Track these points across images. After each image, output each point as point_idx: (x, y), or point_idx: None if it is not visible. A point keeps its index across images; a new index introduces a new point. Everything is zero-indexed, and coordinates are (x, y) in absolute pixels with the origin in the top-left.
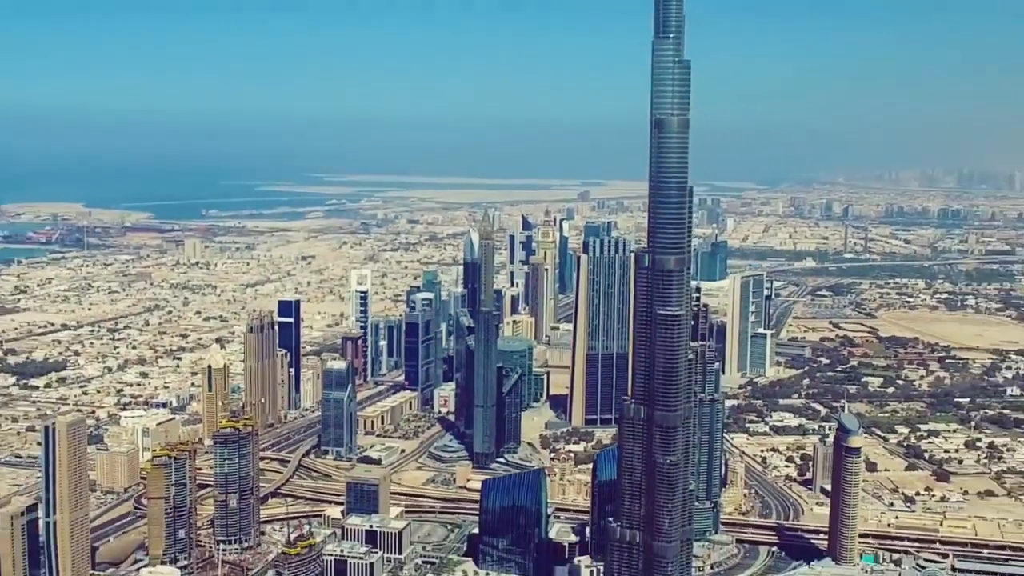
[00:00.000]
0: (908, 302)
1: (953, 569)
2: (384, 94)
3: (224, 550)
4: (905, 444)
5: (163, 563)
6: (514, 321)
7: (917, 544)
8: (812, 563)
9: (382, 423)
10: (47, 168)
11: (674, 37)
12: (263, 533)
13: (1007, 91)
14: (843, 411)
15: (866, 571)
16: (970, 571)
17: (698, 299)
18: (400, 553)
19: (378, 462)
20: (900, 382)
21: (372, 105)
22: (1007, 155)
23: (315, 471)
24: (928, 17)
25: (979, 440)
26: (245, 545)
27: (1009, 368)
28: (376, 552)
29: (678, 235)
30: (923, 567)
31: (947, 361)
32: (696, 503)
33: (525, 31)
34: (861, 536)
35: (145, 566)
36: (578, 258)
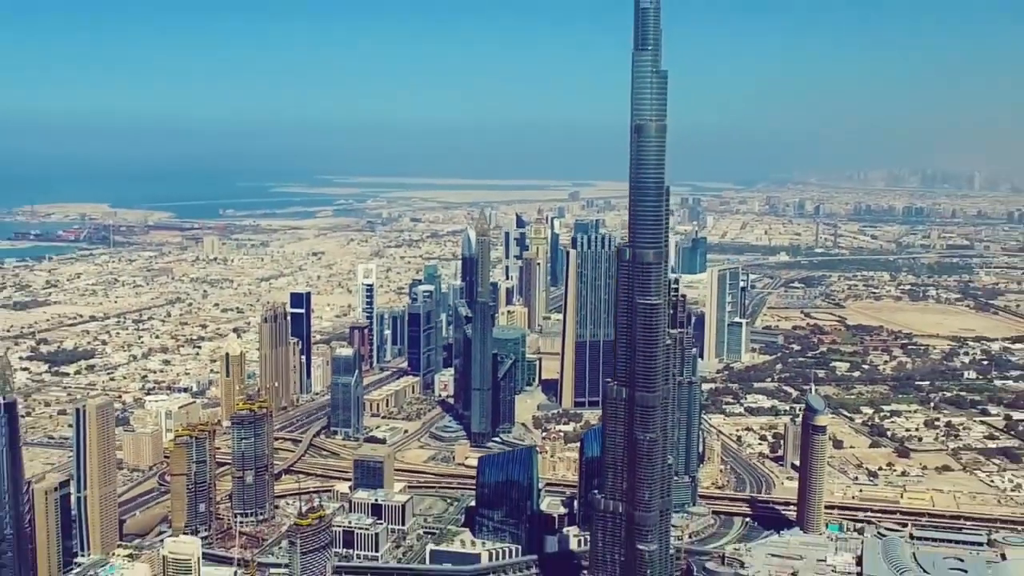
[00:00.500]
0: (874, 293)
1: (911, 537)
2: (389, 101)
3: (241, 522)
4: (869, 424)
5: (185, 534)
6: (508, 311)
7: (879, 515)
8: (782, 532)
9: (387, 406)
10: (75, 171)
11: (652, 49)
12: (277, 507)
13: (969, 95)
14: (811, 393)
15: (831, 539)
16: (927, 539)
17: (676, 290)
18: (403, 524)
19: (383, 441)
20: (865, 367)
21: (378, 111)
22: (968, 157)
23: (325, 450)
24: (892, 25)
25: (938, 420)
26: (261, 517)
27: (966, 354)
28: (381, 523)
29: (656, 231)
30: (884, 535)
31: (909, 347)
32: (675, 477)
33: (519, 43)
34: (827, 507)
35: (169, 536)
36: (567, 253)
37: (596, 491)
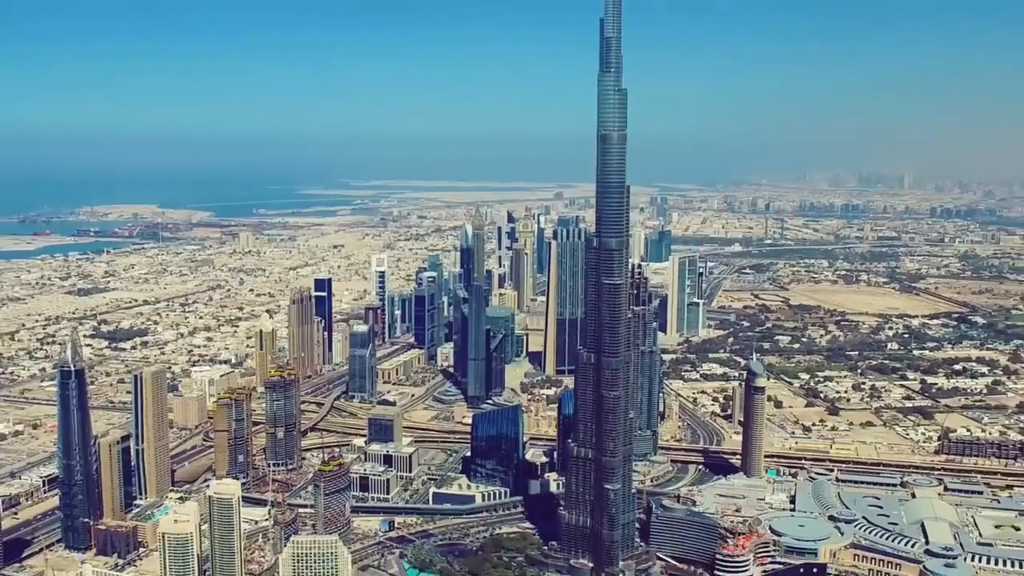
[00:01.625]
0: (814, 277)
1: (837, 480)
2: (400, 116)
3: (274, 470)
4: (806, 387)
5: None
6: (500, 294)
7: (811, 462)
8: (728, 477)
9: (396, 374)
10: (128, 177)
11: (614, 72)
12: (304, 458)
13: (901, 105)
14: (752, 360)
15: (769, 482)
16: (851, 481)
17: (639, 273)
18: (410, 472)
19: (393, 403)
20: (804, 340)
21: (390, 125)
22: (899, 160)
23: (344, 411)
24: (833, 44)
25: (864, 383)
26: (290, 467)
27: (890, 328)
28: (391, 471)
29: (618, 223)
30: (814, 479)
31: (842, 323)
32: (638, 431)
33: (512, 67)
34: (767, 456)
35: (213, 481)
36: (550, 245)
37: (570, 441)
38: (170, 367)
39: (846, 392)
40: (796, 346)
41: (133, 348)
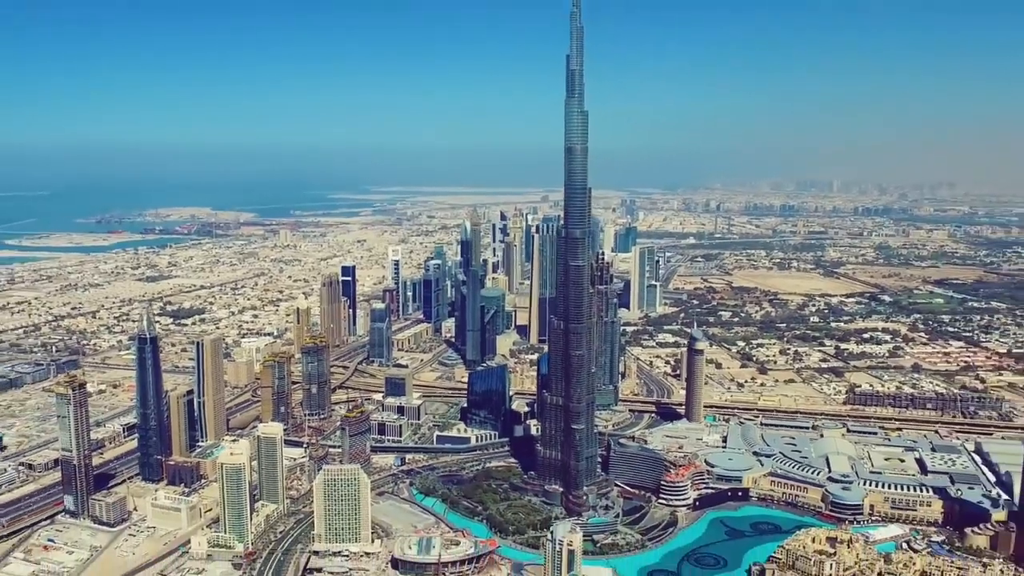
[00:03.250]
0: (754, 265)
1: (761, 424)
2: (413, 132)
3: (309, 419)
4: (741, 352)
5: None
6: (493, 278)
7: (742, 411)
8: (674, 422)
9: (408, 343)
10: (185, 184)
11: (578, 96)
12: (333, 409)
13: (831, 121)
14: (694, 328)
15: (707, 426)
16: (772, 425)
17: (602, 258)
18: (419, 419)
19: (405, 366)
20: (742, 315)
21: (404, 139)
22: (829, 168)
23: (366, 372)
24: (774, 66)
25: (789, 349)
26: (322, 416)
27: (813, 305)
28: (403, 418)
29: (582, 218)
30: (742, 423)
31: (774, 301)
32: (603, 386)
33: (506, 90)
34: (706, 406)
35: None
36: (534, 237)
37: (545, 391)
38: (224, 338)
39: (774, 356)
40: (735, 320)
41: (193, 324)
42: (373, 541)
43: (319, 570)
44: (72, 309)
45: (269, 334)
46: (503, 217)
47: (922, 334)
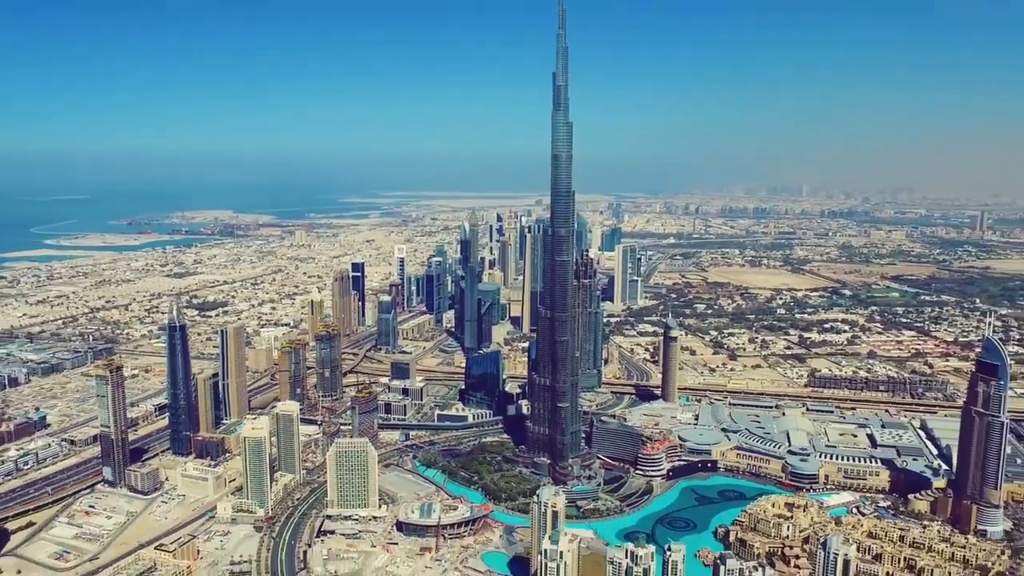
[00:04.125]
0: (727, 262)
1: (730, 404)
2: (417, 141)
3: (322, 399)
4: (714, 341)
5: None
6: (489, 274)
7: (713, 393)
8: (651, 402)
9: (412, 332)
10: (209, 189)
11: (563, 109)
12: (344, 391)
13: (801, 132)
14: (669, 318)
15: (680, 406)
16: (739, 405)
17: (587, 255)
18: (421, 400)
19: (410, 353)
20: (716, 307)
21: (409, 147)
22: (800, 174)
23: (373, 359)
24: (749, 79)
25: (757, 338)
26: (334, 397)
27: (780, 299)
28: (407, 399)
29: (566, 217)
30: (713, 403)
31: (745, 295)
32: (586, 370)
33: (502, 102)
34: (680, 388)
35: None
36: (526, 237)
37: (534, 373)
38: (245, 328)
39: (743, 344)
40: (709, 312)
41: (216, 315)
42: (380, 507)
43: (332, 532)
44: (106, 302)
45: (286, 324)
46: (499, 219)
47: (878, 324)
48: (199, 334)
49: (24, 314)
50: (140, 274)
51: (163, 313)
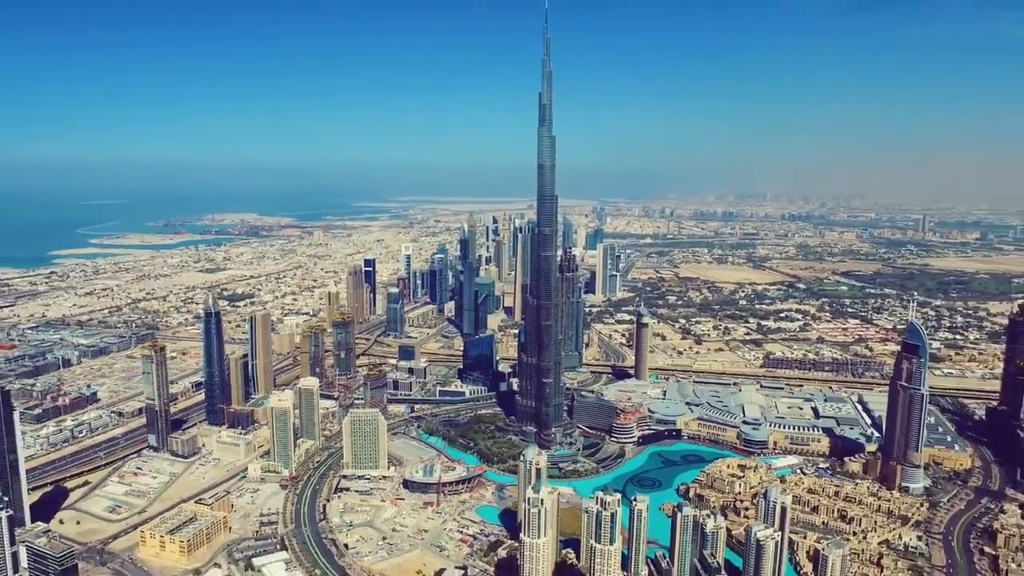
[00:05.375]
0: (697, 260)
1: (693, 382)
2: (422, 151)
3: (339, 377)
4: (683, 328)
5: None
6: (486, 269)
7: (679, 372)
8: (625, 380)
9: (417, 320)
10: (236, 194)
11: (547, 124)
12: (358, 371)
13: (765, 143)
14: (640, 307)
15: (651, 384)
16: (702, 382)
17: (571, 252)
18: (425, 378)
19: (415, 338)
20: (685, 298)
21: (415, 157)
22: (764, 182)
23: (383, 343)
24: (716, 100)
25: (720, 325)
26: (349, 376)
27: (743, 291)
28: (413, 377)
29: (550, 218)
30: (679, 381)
31: (711, 288)
32: (569, 352)
33: (499, 115)
34: (651, 368)
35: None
36: (518, 236)
37: (523, 353)
38: (270, 316)
39: (708, 331)
40: (680, 303)
41: (244, 306)
42: (389, 468)
43: (347, 489)
44: (146, 294)
45: (306, 313)
46: (495, 221)
47: (827, 314)
48: (229, 322)
49: (74, 304)
50: (175, 269)
51: (197, 303)
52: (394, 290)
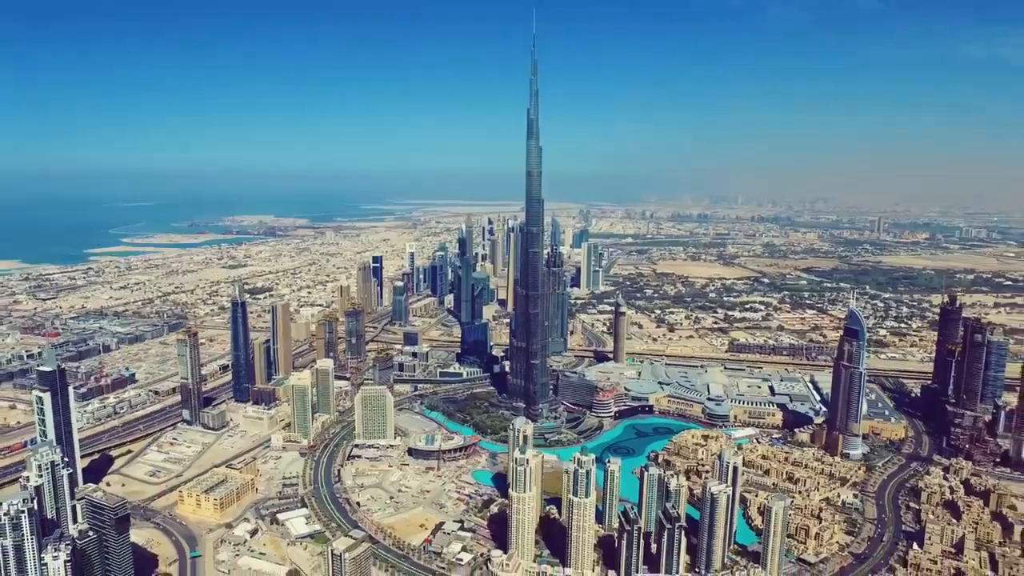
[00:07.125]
0: (673, 257)
1: (665, 364)
2: (424, 158)
3: (350, 361)
4: (658, 318)
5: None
6: (482, 265)
7: (653, 356)
8: (605, 363)
9: (420, 311)
10: (254, 197)
11: (535, 136)
12: (367, 354)
13: (738, 149)
14: (619, 298)
15: (628, 366)
16: (673, 365)
17: (558, 250)
18: (427, 361)
19: (418, 326)
20: (661, 292)
21: (418, 163)
22: (736, 186)
23: (390, 331)
24: (693, 111)
25: (691, 315)
26: (360, 359)
27: (713, 286)
28: (416, 360)
29: (538, 218)
30: (653, 363)
31: (685, 283)
32: (555, 338)
33: (494, 125)
34: (628, 353)
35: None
36: (511, 236)
37: (513, 339)
38: (288, 306)
39: (681, 320)
40: (656, 295)
41: (264, 298)
42: (395, 438)
43: (359, 456)
44: (175, 288)
45: (320, 304)
46: (490, 222)
47: (787, 305)
48: (251, 312)
49: (110, 297)
50: (201, 266)
51: (221, 296)
52: (399, 284)
